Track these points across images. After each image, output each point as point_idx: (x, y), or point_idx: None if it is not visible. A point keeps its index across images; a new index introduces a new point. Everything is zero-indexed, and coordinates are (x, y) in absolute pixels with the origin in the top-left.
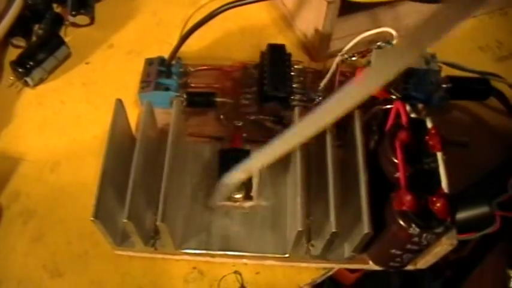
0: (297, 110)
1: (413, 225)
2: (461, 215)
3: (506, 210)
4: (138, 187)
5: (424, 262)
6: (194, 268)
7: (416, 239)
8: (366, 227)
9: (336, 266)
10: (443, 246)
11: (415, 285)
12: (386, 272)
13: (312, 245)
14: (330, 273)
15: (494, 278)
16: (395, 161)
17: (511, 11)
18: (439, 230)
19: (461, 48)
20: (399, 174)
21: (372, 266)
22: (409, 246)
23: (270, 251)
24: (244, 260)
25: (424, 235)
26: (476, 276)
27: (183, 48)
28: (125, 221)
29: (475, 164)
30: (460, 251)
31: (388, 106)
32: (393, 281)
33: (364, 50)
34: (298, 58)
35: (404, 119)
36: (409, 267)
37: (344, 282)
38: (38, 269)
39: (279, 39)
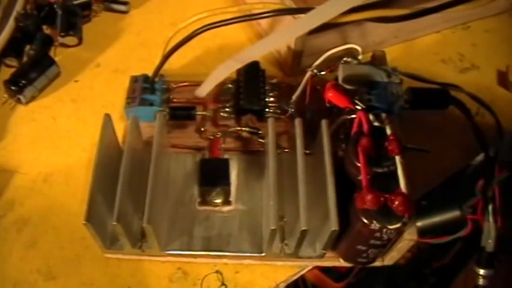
0: (270, 121)
1: (374, 222)
2: (433, 220)
3: (476, 213)
4: (125, 194)
5: (389, 258)
6: (179, 269)
7: (378, 234)
8: (333, 225)
9: (310, 264)
10: (405, 242)
11: None
12: (371, 281)
13: (286, 244)
14: (304, 271)
15: None
16: (358, 164)
17: (473, 24)
18: (397, 225)
19: (425, 61)
20: (361, 177)
21: (342, 263)
22: (372, 241)
23: (247, 251)
24: (225, 260)
25: (384, 230)
26: (460, 283)
27: (166, 66)
28: (114, 223)
29: (437, 170)
30: (443, 258)
31: (353, 116)
32: None
33: (333, 65)
34: (273, 74)
35: (365, 127)
36: (377, 264)
37: None
38: (32, 273)
39: None
